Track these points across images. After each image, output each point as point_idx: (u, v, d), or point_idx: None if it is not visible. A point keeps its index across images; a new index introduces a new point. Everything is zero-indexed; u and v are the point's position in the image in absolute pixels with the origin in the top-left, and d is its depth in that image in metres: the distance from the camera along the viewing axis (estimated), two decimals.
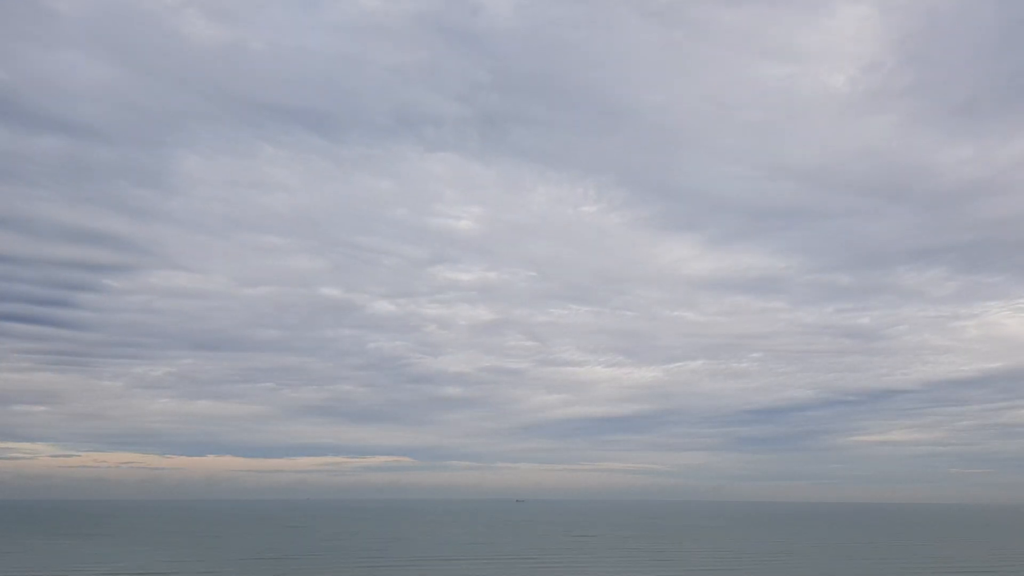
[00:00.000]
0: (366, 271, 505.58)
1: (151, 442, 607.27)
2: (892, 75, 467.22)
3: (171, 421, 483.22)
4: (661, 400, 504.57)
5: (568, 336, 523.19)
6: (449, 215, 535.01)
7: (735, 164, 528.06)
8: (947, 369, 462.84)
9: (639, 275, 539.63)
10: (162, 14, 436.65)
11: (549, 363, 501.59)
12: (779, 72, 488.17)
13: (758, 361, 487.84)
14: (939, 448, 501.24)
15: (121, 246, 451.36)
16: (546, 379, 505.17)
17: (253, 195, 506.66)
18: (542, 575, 66.15)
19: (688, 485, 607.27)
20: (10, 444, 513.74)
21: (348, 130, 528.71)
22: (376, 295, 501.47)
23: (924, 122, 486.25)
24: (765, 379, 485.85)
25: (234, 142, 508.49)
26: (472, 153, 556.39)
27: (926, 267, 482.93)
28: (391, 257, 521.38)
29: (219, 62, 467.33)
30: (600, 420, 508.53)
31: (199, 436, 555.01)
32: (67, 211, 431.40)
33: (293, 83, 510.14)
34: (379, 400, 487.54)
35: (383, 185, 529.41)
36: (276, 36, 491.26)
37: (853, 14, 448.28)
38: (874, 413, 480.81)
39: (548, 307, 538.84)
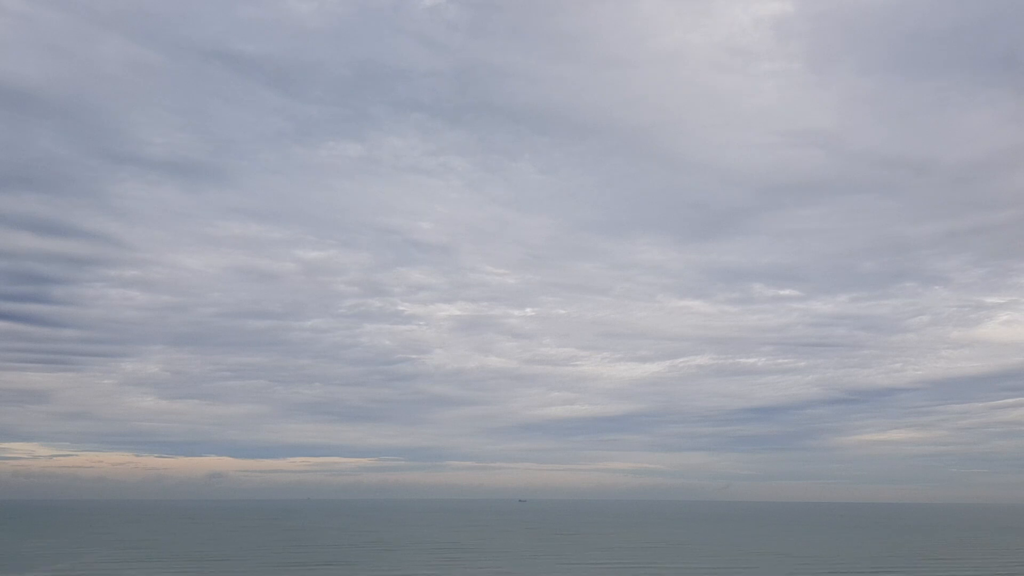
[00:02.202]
0: (344, 259, 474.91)
1: (148, 441, 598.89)
2: (925, 18, 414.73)
3: (166, 421, 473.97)
4: (664, 398, 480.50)
5: (563, 330, 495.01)
6: (422, 201, 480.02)
7: (750, 128, 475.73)
8: (962, 366, 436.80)
9: (639, 261, 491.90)
10: None
11: (547, 360, 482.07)
12: (808, 12, 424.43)
13: (767, 355, 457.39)
14: (941, 447, 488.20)
15: (81, 234, 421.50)
16: (546, 377, 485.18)
17: (215, 162, 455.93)
18: None
19: (692, 485, 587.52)
20: (5, 444, 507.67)
21: (309, 86, 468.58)
22: (356, 288, 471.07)
23: (957, 75, 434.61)
24: (772, 375, 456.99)
25: (185, 99, 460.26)
26: (447, 113, 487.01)
27: (952, 251, 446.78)
28: (366, 246, 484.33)
29: (164, 4, 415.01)
30: (601, 419, 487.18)
31: (196, 436, 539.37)
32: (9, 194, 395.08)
33: (242, 26, 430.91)
34: (375, 400, 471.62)
35: (350, 152, 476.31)
36: None
37: None
38: (878, 411, 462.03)
39: (542, 298, 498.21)
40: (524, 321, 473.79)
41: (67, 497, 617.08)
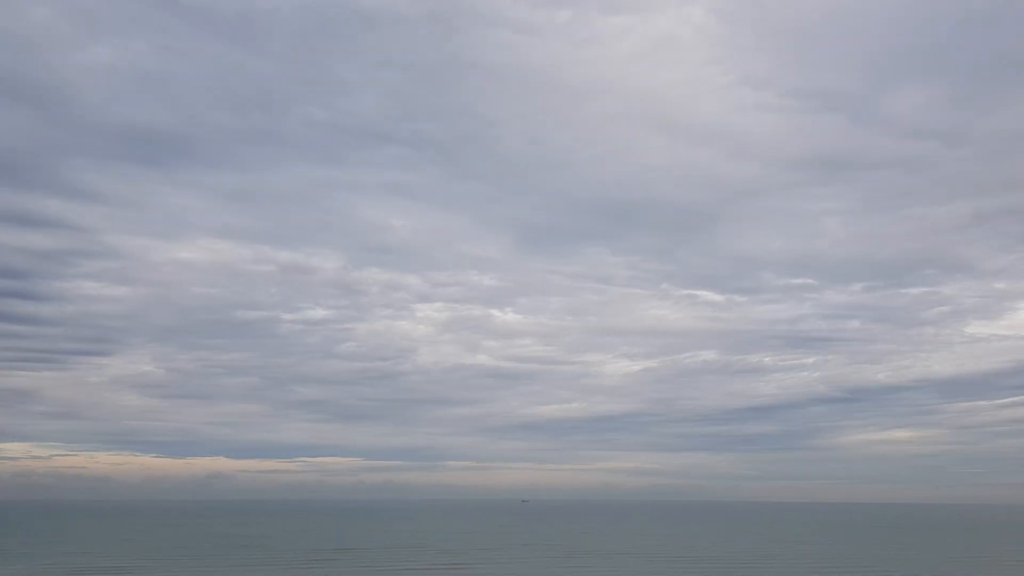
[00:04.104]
0: (323, 252, 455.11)
1: (144, 441, 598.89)
2: None
3: (161, 420, 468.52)
4: (666, 396, 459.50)
5: (561, 325, 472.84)
6: (397, 173, 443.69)
7: (762, 89, 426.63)
8: (975, 362, 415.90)
9: (642, 247, 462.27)
10: None
11: (544, 358, 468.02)
12: None
13: (776, 350, 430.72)
14: (943, 447, 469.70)
15: (44, 221, 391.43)
16: (544, 375, 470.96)
17: (176, 131, 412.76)
18: None
19: (694, 485, 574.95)
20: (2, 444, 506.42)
21: (266, 39, 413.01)
22: (339, 284, 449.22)
23: (995, 28, 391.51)
24: (779, 373, 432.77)
25: (132, 53, 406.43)
26: (420, 71, 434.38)
27: (977, 236, 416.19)
28: (345, 235, 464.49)
29: None
30: (601, 419, 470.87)
31: (194, 436, 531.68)
32: None
33: None
34: (371, 399, 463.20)
35: (316, 119, 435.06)
36: None
37: None
38: (883, 409, 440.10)
39: (536, 289, 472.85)
40: (517, 316, 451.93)
41: (69, 498, 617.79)
